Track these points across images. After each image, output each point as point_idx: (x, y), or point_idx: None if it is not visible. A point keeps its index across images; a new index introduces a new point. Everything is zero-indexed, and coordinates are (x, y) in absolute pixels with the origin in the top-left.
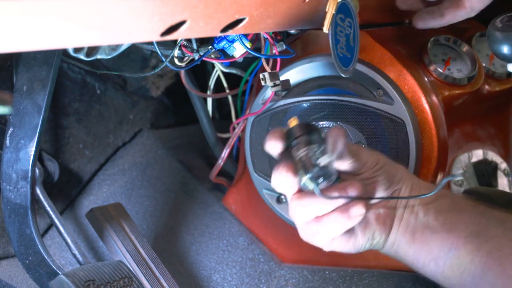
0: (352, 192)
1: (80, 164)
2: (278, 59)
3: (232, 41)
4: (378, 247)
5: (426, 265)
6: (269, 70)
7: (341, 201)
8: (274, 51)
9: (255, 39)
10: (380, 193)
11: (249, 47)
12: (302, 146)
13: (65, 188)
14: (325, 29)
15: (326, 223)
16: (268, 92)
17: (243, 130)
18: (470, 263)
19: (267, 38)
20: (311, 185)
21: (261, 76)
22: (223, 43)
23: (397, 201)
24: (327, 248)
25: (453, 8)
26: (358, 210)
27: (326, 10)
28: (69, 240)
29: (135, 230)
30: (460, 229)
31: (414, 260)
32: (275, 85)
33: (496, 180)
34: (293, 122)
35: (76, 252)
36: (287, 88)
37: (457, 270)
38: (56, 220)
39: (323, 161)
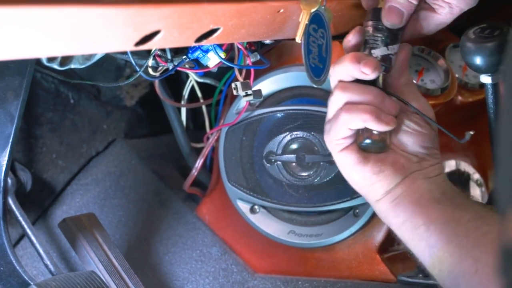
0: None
1: (53, 173)
2: (252, 69)
3: (207, 51)
4: (380, 192)
5: (416, 228)
6: (241, 80)
7: (381, 97)
8: (247, 61)
9: (230, 49)
10: (413, 146)
11: (223, 57)
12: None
13: (37, 198)
14: (298, 39)
15: (357, 110)
16: (242, 102)
17: (217, 140)
18: (463, 239)
19: (240, 49)
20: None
21: (233, 85)
22: (197, 53)
23: (418, 164)
24: (337, 149)
25: (409, 28)
26: (389, 119)
27: (300, 20)
28: (41, 250)
29: (108, 240)
30: (467, 211)
31: (406, 220)
32: (247, 95)
33: (468, 191)
34: None
35: (48, 263)
36: (259, 98)
37: (445, 240)
38: (28, 230)
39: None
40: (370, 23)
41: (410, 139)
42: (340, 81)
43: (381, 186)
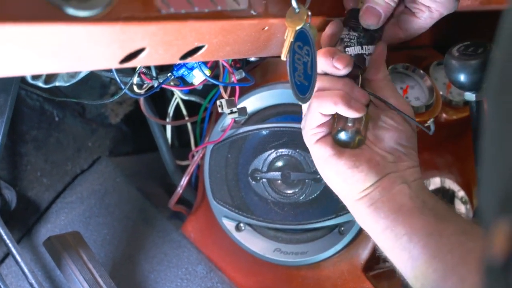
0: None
1: (38, 192)
2: (237, 87)
3: (192, 68)
4: (356, 190)
5: (398, 237)
6: (226, 98)
7: (350, 85)
8: (232, 78)
9: (215, 66)
10: (389, 142)
11: (208, 74)
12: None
13: (22, 216)
14: (283, 56)
15: (327, 94)
16: (227, 120)
17: (202, 158)
18: (447, 254)
19: (225, 66)
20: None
21: (218, 103)
22: (182, 71)
23: (394, 164)
24: (312, 140)
25: (388, 31)
26: (359, 106)
27: (285, 38)
28: (26, 269)
29: (93, 259)
30: (451, 223)
31: (387, 228)
32: (232, 112)
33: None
34: None
35: (33, 281)
36: (244, 116)
37: (429, 254)
38: (13, 249)
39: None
40: (347, 22)
41: (386, 134)
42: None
43: (356, 182)
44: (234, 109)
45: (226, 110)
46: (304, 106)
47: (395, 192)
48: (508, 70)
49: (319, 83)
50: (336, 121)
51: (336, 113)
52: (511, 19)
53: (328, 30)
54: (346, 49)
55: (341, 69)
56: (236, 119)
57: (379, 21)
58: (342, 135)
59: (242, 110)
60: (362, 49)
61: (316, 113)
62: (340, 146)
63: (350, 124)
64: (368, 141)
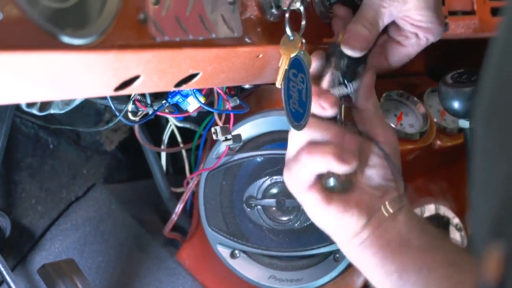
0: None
1: (33, 219)
2: (231, 114)
3: (186, 96)
4: (346, 233)
5: (388, 274)
6: (221, 125)
7: (341, 134)
8: (227, 106)
9: (209, 94)
10: (377, 179)
11: (203, 101)
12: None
13: (16, 244)
14: (278, 84)
15: (319, 152)
16: (222, 147)
17: (197, 185)
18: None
19: (220, 93)
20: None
21: (212, 130)
22: (177, 98)
23: (381, 199)
24: (299, 191)
25: (373, 61)
26: (351, 158)
27: (279, 65)
28: None
29: (87, 286)
30: (438, 254)
31: (377, 265)
32: (226, 139)
33: (448, 235)
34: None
35: None
36: (238, 142)
37: None
38: (7, 277)
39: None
40: (329, 58)
41: (374, 172)
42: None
43: (346, 226)
44: (229, 136)
45: (221, 137)
46: (293, 137)
47: (383, 229)
48: (497, 96)
49: (309, 132)
50: None
51: None
52: (500, 45)
53: (313, 66)
54: (331, 90)
55: (328, 109)
56: (231, 146)
57: (363, 47)
58: (332, 182)
59: (237, 137)
60: (346, 87)
61: (307, 171)
62: (328, 192)
63: (338, 178)
64: (356, 181)
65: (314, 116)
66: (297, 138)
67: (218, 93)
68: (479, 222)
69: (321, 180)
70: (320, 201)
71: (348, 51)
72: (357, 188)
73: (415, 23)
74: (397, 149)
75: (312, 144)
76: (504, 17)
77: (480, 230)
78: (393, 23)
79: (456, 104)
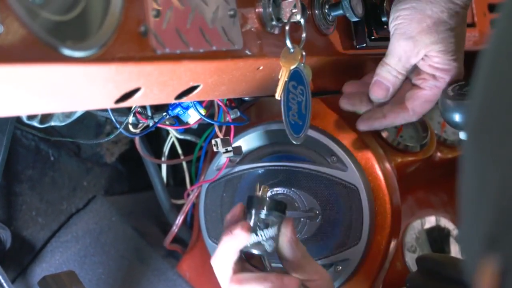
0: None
1: (33, 231)
2: (232, 126)
3: (187, 108)
4: None
5: None
6: (221, 136)
7: (279, 279)
8: (228, 118)
9: (210, 106)
10: None
11: (204, 113)
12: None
13: (17, 256)
14: (277, 96)
15: None
16: (223, 159)
17: (198, 197)
18: None
19: (220, 105)
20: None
21: (213, 142)
22: (177, 110)
23: None
24: None
25: (396, 110)
26: None
27: (279, 77)
28: None
29: None
30: None
31: None
32: (227, 151)
33: (449, 247)
34: (264, 190)
35: None
36: (239, 154)
37: None
38: None
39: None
40: (249, 210)
41: None
42: (232, 275)
43: None
44: (229, 148)
45: (221, 149)
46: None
47: None
48: (488, 105)
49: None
50: None
51: None
52: (489, 58)
53: (229, 217)
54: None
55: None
56: (231, 158)
57: (388, 94)
58: None
59: (237, 149)
60: (259, 236)
61: None
62: None
63: None
64: None
65: (250, 272)
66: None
67: (218, 105)
68: (471, 236)
69: None
70: None
71: (374, 98)
72: None
73: (433, 65)
74: (331, 282)
75: None
76: (495, 29)
77: (472, 244)
78: (414, 68)
79: (457, 117)
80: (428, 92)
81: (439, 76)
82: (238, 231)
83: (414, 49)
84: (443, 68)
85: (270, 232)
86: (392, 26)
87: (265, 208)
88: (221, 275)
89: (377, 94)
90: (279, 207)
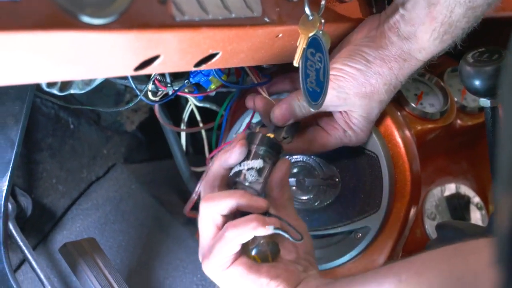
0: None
1: (53, 199)
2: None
3: (208, 75)
4: None
5: None
6: (265, 95)
7: (247, 196)
8: (256, 78)
9: (228, 73)
10: (297, 254)
11: (225, 80)
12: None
13: (38, 223)
14: (296, 63)
15: (243, 222)
16: (243, 126)
17: None
18: None
19: (248, 71)
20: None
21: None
22: (199, 77)
23: (305, 273)
24: (224, 268)
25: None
26: (271, 218)
27: (297, 44)
28: (42, 276)
29: (108, 265)
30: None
31: None
32: (284, 138)
33: (469, 214)
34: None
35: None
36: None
37: None
38: (29, 255)
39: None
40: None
41: (292, 248)
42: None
43: None
44: (285, 135)
45: (279, 138)
46: (203, 225)
47: (310, 286)
48: None
49: (216, 203)
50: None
51: None
52: None
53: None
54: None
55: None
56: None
57: (285, 123)
58: (261, 250)
59: (292, 127)
60: (240, 165)
61: (234, 243)
62: (257, 262)
63: (264, 240)
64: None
65: (214, 188)
66: (207, 224)
67: (241, 70)
68: (497, 177)
69: (248, 252)
70: (250, 270)
71: (272, 119)
72: (281, 260)
73: (349, 123)
74: (307, 233)
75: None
76: None
77: (497, 184)
78: (328, 114)
79: (477, 83)
80: (332, 140)
81: (348, 134)
82: (228, 152)
83: (339, 104)
84: (355, 130)
85: (254, 163)
86: (331, 72)
87: (257, 142)
88: (203, 193)
89: (278, 120)
90: (271, 144)
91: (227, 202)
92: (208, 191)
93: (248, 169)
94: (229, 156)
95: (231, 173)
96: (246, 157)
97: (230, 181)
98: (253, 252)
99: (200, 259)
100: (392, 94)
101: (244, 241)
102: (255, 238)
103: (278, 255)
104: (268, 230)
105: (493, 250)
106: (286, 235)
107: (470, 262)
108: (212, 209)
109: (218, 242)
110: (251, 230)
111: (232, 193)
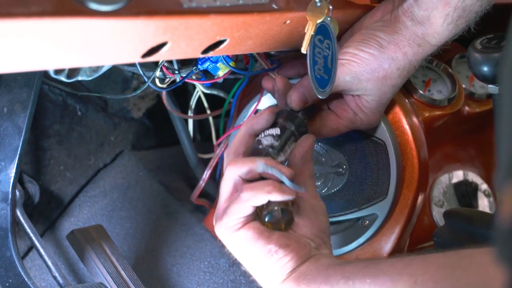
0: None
1: (61, 186)
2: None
3: (216, 62)
4: (285, 271)
5: (334, 284)
6: (275, 76)
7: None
8: (265, 64)
9: (236, 59)
10: (311, 230)
11: (233, 66)
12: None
13: (45, 210)
14: (303, 49)
15: (259, 185)
16: (250, 111)
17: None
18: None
19: (257, 57)
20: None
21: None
22: (207, 64)
23: (317, 250)
24: (235, 229)
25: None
26: (291, 191)
27: (305, 31)
28: (49, 262)
29: (116, 252)
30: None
31: (320, 285)
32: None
33: (476, 201)
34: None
35: (56, 274)
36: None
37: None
38: (36, 242)
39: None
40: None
41: (307, 223)
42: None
43: (287, 262)
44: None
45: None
46: (224, 193)
47: (321, 262)
48: None
49: (239, 166)
50: (265, 204)
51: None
52: None
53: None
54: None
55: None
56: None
57: (303, 107)
58: (274, 216)
59: (306, 113)
60: (264, 133)
61: (247, 205)
62: (269, 228)
63: (279, 207)
64: (292, 228)
65: (239, 155)
66: (227, 187)
67: (249, 57)
68: (499, 166)
69: (260, 216)
70: (261, 234)
71: (288, 103)
72: (295, 233)
73: (361, 106)
74: (325, 213)
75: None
76: None
77: (499, 173)
78: (339, 96)
79: (485, 70)
80: (343, 122)
81: (359, 117)
82: (256, 118)
83: (352, 88)
84: (367, 113)
85: (278, 131)
86: (343, 56)
87: (284, 117)
88: (227, 159)
89: (296, 103)
90: (297, 119)
91: (252, 165)
92: (232, 157)
93: (273, 136)
94: (256, 122)
95: (256, 141)
96: (272, 127)
97: (253, 151)
98: (266, 219)
99: (214, 222)
100: (405, 79)
101: (258, 204)
102: (269, 204)
103: (291, 224)
104: (285, 196)
105: (494, 244)
106: (287, 181)
107: (489, 273)
108: (235, 171)
109: (232, 203)
110: (266, 193)
111: (258, 158)
